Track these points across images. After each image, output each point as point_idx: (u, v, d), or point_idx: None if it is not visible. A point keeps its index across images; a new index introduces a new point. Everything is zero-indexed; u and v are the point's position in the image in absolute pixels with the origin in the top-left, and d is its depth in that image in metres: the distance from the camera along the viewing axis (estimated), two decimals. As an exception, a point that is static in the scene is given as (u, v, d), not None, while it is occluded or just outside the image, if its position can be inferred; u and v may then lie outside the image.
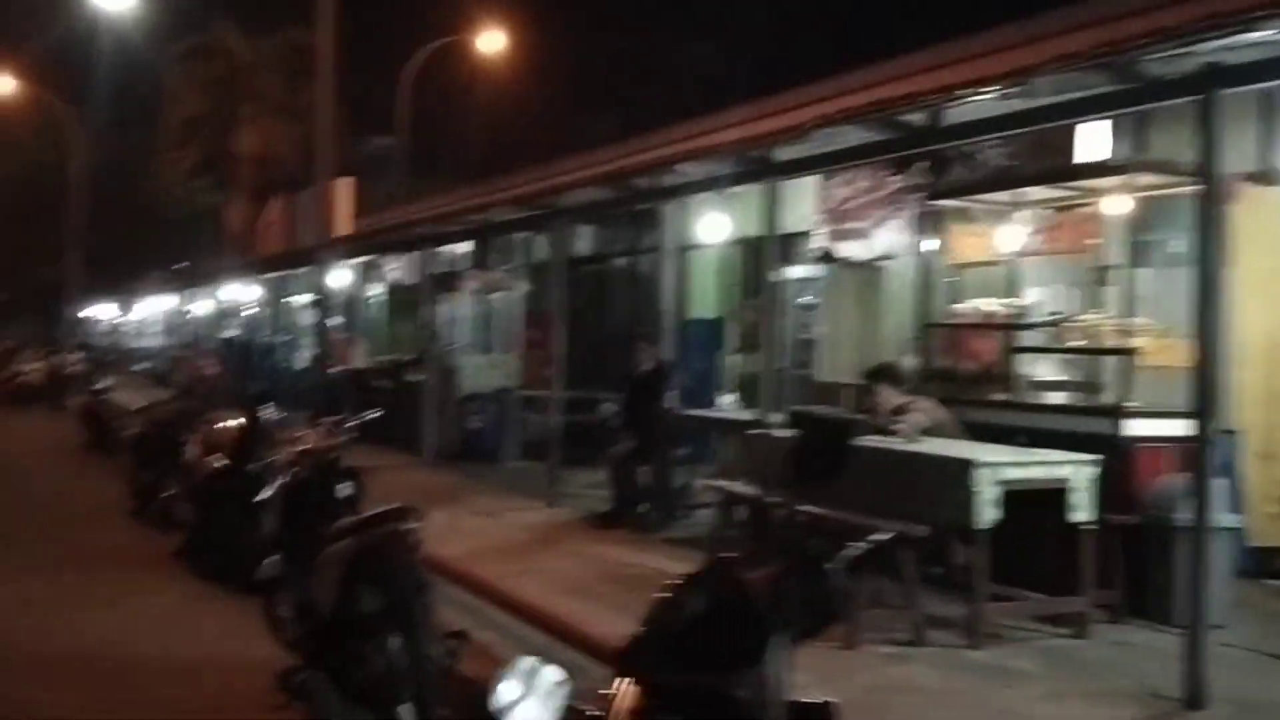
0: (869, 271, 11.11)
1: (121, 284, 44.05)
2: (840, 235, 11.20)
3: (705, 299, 14.01)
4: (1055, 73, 5.71)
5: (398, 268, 23.34)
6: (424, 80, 28.73)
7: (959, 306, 8.61)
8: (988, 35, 9.36)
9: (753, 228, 12.32)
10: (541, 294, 16.71)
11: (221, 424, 8.60)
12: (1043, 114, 6.12)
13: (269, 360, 22.71)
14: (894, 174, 9.82)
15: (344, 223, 22.53)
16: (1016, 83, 5.87)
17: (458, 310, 14.06)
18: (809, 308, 11.20)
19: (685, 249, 14.32)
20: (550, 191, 10.20)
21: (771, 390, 8.08)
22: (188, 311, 35.58)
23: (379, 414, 6.52)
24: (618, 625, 6.40)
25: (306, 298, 26.30)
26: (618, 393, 13.94)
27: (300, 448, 5.87)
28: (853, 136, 7.30)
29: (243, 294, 26.62)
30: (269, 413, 8.33)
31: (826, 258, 10.92)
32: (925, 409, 7.39)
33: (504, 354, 14.26)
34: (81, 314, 42.17)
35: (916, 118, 6.92)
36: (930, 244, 9.21)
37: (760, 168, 8.29)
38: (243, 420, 8.31)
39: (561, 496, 10.66)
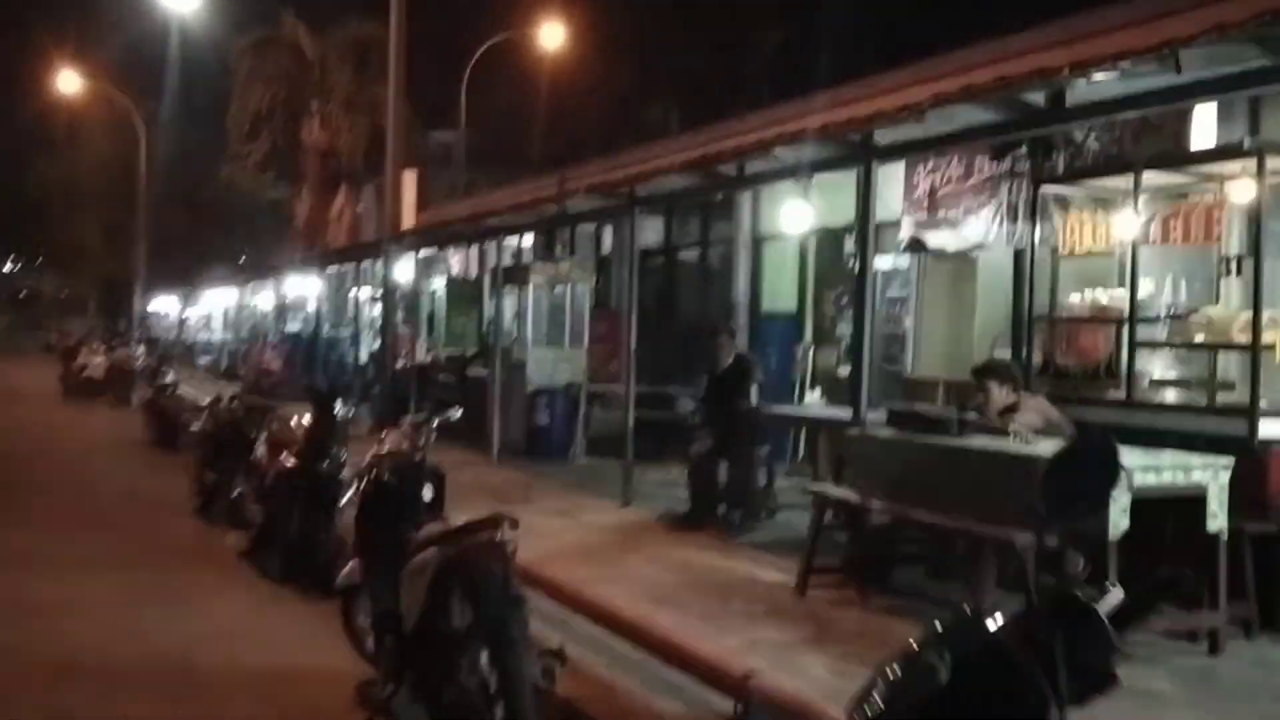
0: (960, 262, 10.59)
1: (185, 277, 44.46)
2: (929, 224, 10.69)
3: (780, 292, 13.54)
4: (1209, 45, 5.17)
5: (458, 261, 23.16)
6: (485, 74, 28.50)
7: (1071, 299, 8.06)
8: (1101, 13, 8.78)
9: (833, 217, 11.88)
10: (608, 287, 16.41)
11: (291, 421, 8.29)
12: (1184, 91, 5.60)
13: (333, 354, 22.55)
14: (990, 160, 9.29)
15: (408, 215, 22.37)
16: (1161, 56, 5.34)
17: (524, 303, 13.66)
18: (896, 300, 10.70)
19: (760, 240, 13.86)
20: (629, 180, 9.79)
21: (863, 387, 7.59)
22: (250, 305, 35.74)
23: (460, 412, 6.12)
24: (718, 641, 6.08)
25: (369, 291, 26.27)
26: (684, 387, 13.61)
27: (382, 449, 5.50)
28: (966, 117, 6.79)
29: (306, 287, 26.54)
30: (340, 410, 8.01)
31: (916, 247, 10.40)
32: (1037, 408, 6.89)
33: (572, 348, 13.86)
34: (145, 307, 42.49)
35: (1037, 96, 6.40)
36: (1032, 233, 8.66)
37: (860, 151, 7.81)
38: (313, 417, 7.98)
39: (636, 496, 10.25)
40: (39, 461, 13.90)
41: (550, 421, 13.22)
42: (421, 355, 22.91)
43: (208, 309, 43.10)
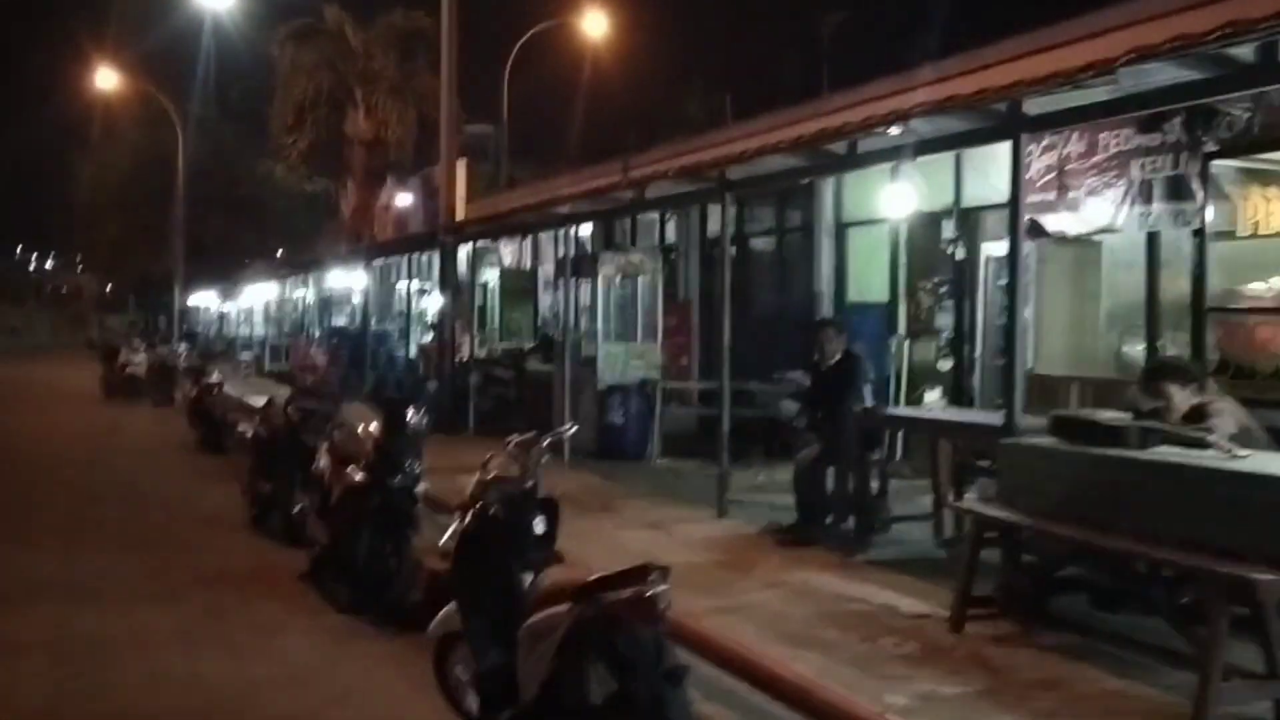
0: (1083, 247, 9.57)
1: (223, 273, 44.01)
2: (1046, 207, 9.67)
3: (869, 281, 12.56)
4: None
5: (510, 252, 22.30)
6: (519, 68, 27.68)
7: (1252, 287, 7.03)
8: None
9: (929, 200, 10.89)
10: (673, 279, 15.46)
11: (357, 428, 7.42)
12: None
13: (381, 349, 21.76)
14: (1140, 132, 8.25)
15: (459, 206, 21.53)
16: None
17: (594, 295, 12.74)
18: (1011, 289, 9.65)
19: (845, 226, 12.88)
20: (720, 162, 8.85)
21: (1017, 389, 6.61)
22: (292, 299, 35.12)
23: (574, 429, 5.23)
24: (880, 697, 5.11)
25: (415, 284, 25.52)
26: (765, 384, 12.68)
27: (486, 474, 4.61)
28: (1154, 77, 5.77)
29: (352, 281, 25.79)
30: (413, 418, 7.13)
31: (1034, 231, 9.38)
32: (1232, 412, 5.89)
33: (644, 343, 12.94)
34: (184, 303, 42.03)
35: (1244, 51, 5.38)
36: (1200, 213, 7.64)
37: (1009, 121, 6.83)
38: (383, 426, 7.11)
39: (730, 503, 9.32)
40: (81, 469, 13.15)
41: (625, 421, 12.31)
42: (474, 350, 22.17)
43: (247, 304, 42.60)
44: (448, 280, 14.36)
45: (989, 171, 10.71)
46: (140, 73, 37.98)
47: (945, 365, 11.19)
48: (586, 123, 28.33)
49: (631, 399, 12.38)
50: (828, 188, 12.86)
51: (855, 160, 8.13)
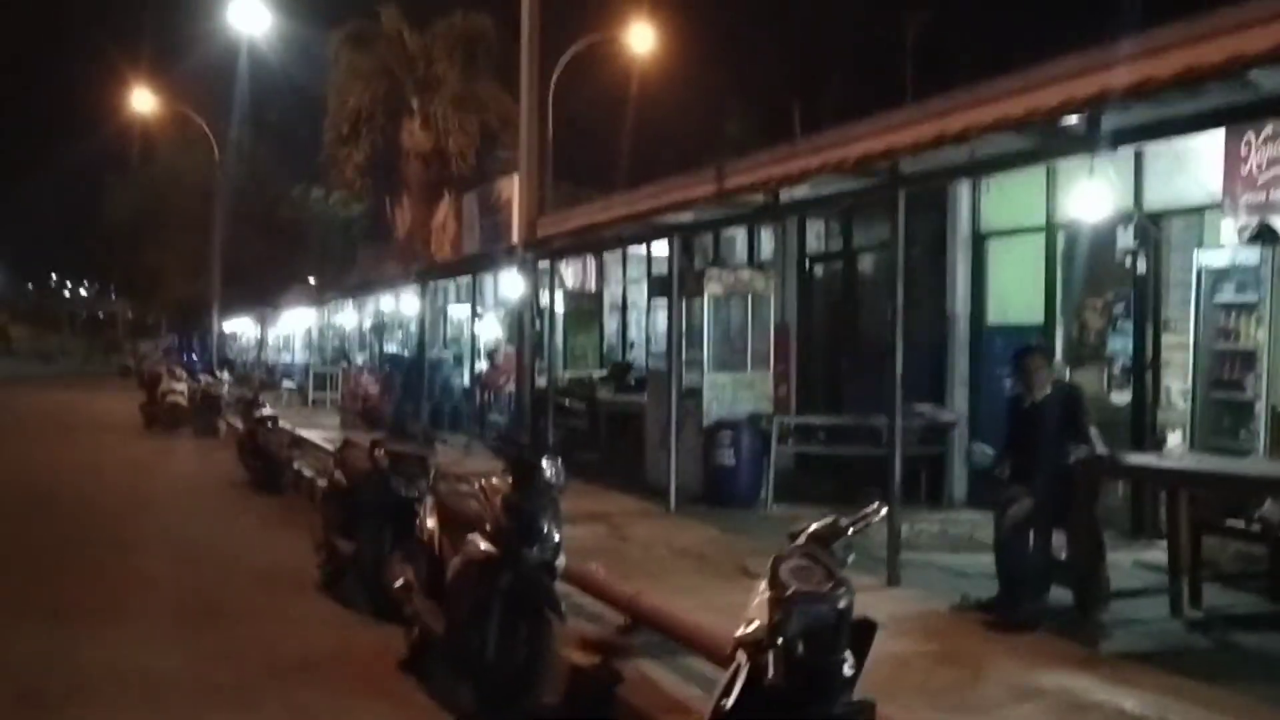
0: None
1: (261, 298, 42.95)
2: (1264, 208, 8.14)
3: (1016, 299, 11.00)
4: None
5: (572, 273, 20.86)
6: (568, 82, 26.34)
7: None
8: None
9: (1091, 205, 9.33)
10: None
11: (479, 484, 5.94)
12: None
13: (437, 378, 20.34)
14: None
15: (519, 223, 20.12)
16: None
17: (681, 316, 11.17)
18: (1234, 307, 8.10)
19: (984, 237, 11.34)
20: (889, 153, 7.36)
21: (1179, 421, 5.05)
22: (334, 325, 33.89)
23: (884, 512, 3.73)
24: None
25: (469, 308, 24.14)
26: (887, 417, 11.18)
27: (786, 589, 3.11)
28: None
29: (404, 304, 24.47)
30: (550, 471, 5.65)
31: (1267, 237, 7.83)
32: None
33: (754, 372, 11.42)
34: (221, 329, 40.94)
35: None
36: None
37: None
38: (513, 483, 5.62)
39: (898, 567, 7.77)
40: (123, 513, 11.74)
41: (736, 462, 10.78)
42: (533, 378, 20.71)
43: (286, 330, 41.48)
44: (529, 301, 12.89)
45: (1181, 168, 9.21)
46: (177, 96, 37.48)
47: (1121, 398, 9.62)
48: (634, 139, 26.86)
49: (743, 436, 10.86)
50: (962, 194, 11.33)
51: (1086, 142, 6.57)
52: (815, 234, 13.99)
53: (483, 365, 22.98)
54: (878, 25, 23.55)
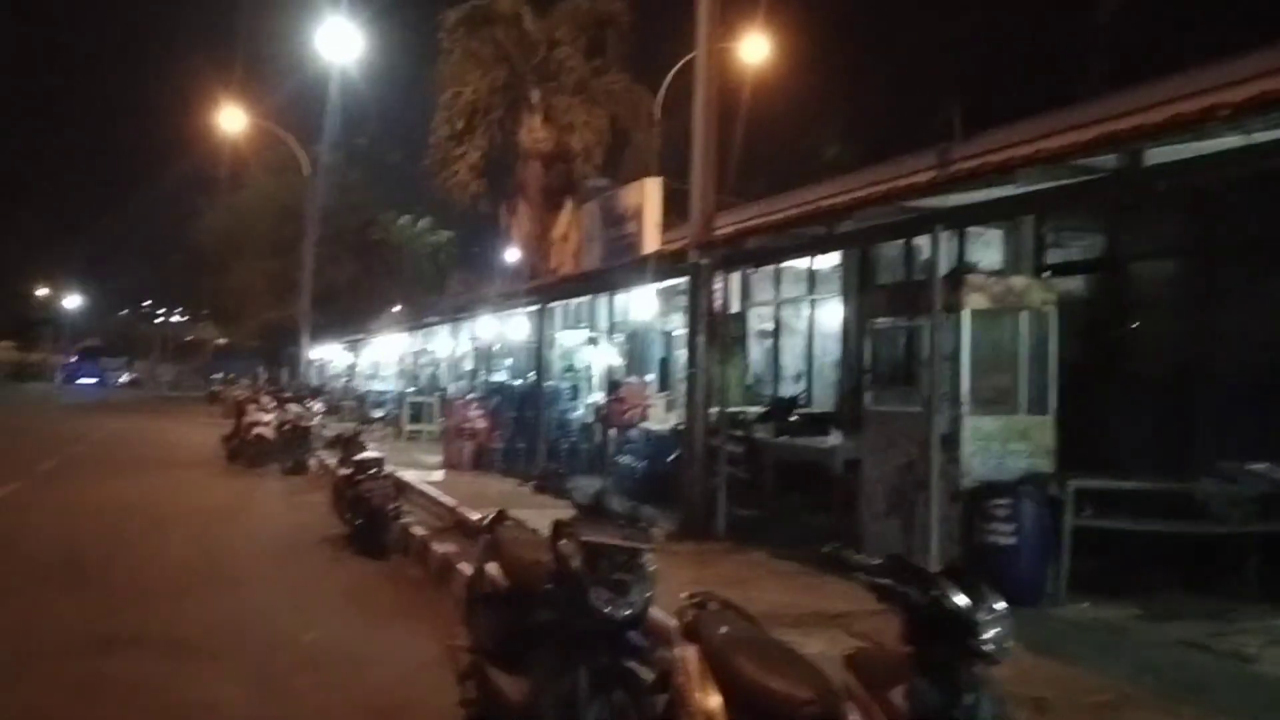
0: None
1: (352, 321, 41.03)
2: None
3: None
4: None
5: (716, 291, 18.01)
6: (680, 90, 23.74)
7: None
8: None
9: None
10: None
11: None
12: None
13: (552, 411, 17.63)
14: None
15: (651, 235, 17.44)
16: None
17: (953, 341, 8.22)
18: None
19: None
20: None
21: None
22: (430, 351, 31.50)
23: None
24: None
25: (575, 331, 21.52)
26: (1215, 480, 8.21)
27: None
28: None
29: (512, 327, 21.87)
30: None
31: None
32: None
33: (1031, 414, 8.42)
34: (311, 356, 38.96)
35: None
36: None
37: None
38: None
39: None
40: (185, 589, 9.09)
41: (1016, 540, 7.81)
42: (661, 414, 17.91)
43: (376, 356, 39.37)
44: (699, 317, 10.10)
45: None
46: (268, 117, 36.28)
47: None
48: (773, 146, 24.00)
49: (1023, 505, 7.89)
50: None
51: None
52: (1055, 240, 11.06)
53: (598, 397, 20.31)
54: (1056, 17, 20.52)
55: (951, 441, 8.18)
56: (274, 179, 45.40)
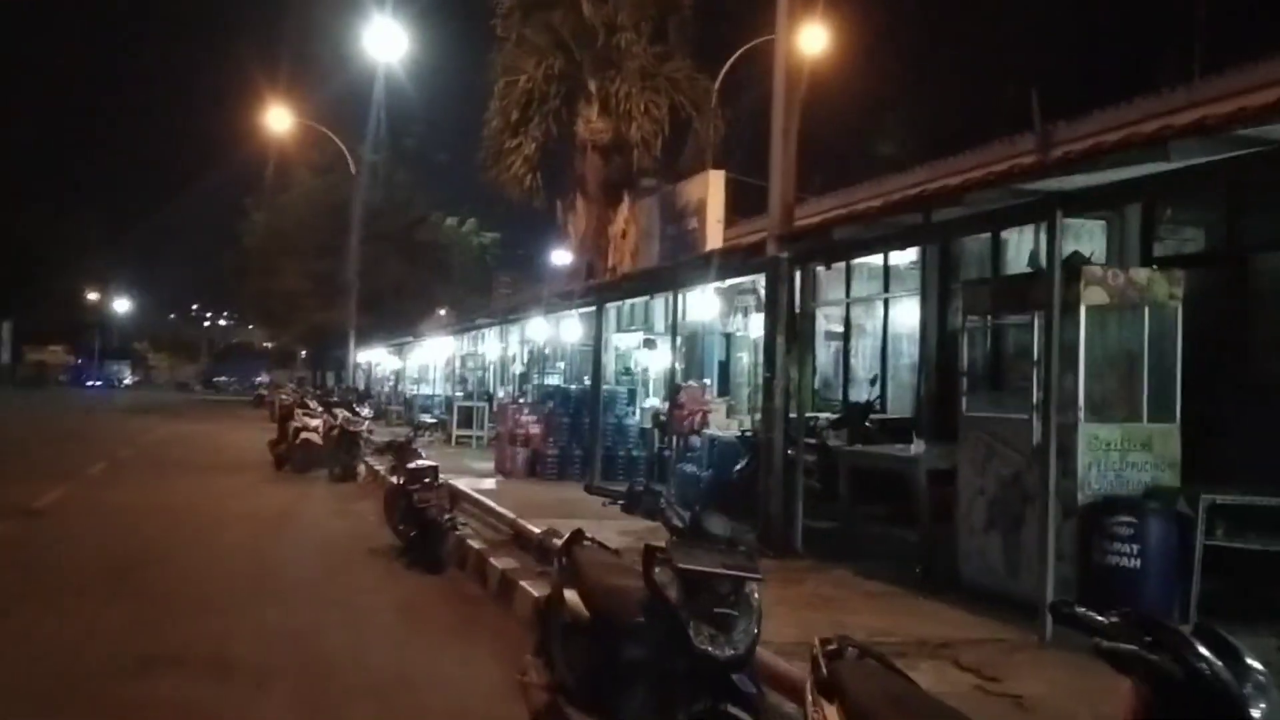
0: None
1: (399, 324, 40.70)
2: None
3: None
4: None
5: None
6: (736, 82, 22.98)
7: None
8: None
9: None
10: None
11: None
12: None
13: (609, 417, 16.99)
14: None
15: (714, 232, 16.76)
16: None
17: (1067, 337, 7.43)
18: None
19: None
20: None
21: None
22: (479, 354, 31.01)
23: None
24: None
25: (628, 334, 20.86)
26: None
27: None
28: None
29: (565, 330, 21.27)
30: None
31: None
32: None
33: (1155, 422, 7.63)
34: (355, 358, 38.64)
35: None
36: None
37: None
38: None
39: None
40: (231, 603, 8.53)
41: (1142, 563, 7.05)
42: (722, 420, 17.20)
43: (424, 360, 38.99)
44: (778, 316, 9.40)
45: None
46: (315, 118, 36.22)
47: None
48: (841, 138, 23.21)
49: (1149, 523, 7.12)
50: None
51: None
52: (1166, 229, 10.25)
53: (654, 401, 19.62)
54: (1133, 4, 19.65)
55: (1065, 451, 7.42)
56: (320, 180, 45.26)
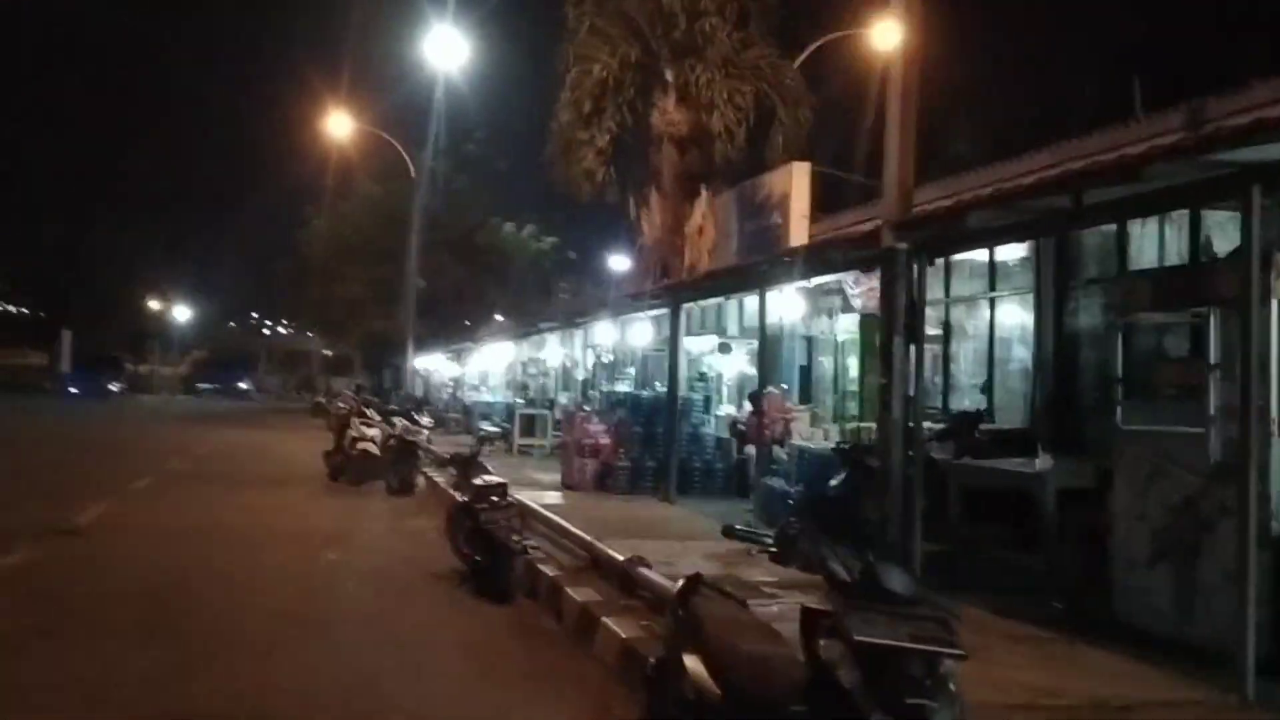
0: None
1: (458, 330, 39.99)
2: None
3: None
4: None
5: (863, 293, 16.06)
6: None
7: None
8: None
9: None
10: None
11: None
12: None
13: (684, 425, 15.89)
14: None
15: (798, 227, 15.60)
16: None
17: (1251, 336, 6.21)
18: None
19: None
20: None
21: None
22: (538, 359, 30.12)
23: None
24: None
25: (701, 338, 19.78)
26: None
27: None
28: None
29: (634, 334, 20.22)
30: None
31: None
32: None
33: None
34: (414, 365, 37.88)
35: None
36: None
37: None
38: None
39: None
40: (292, 633, 7.56)
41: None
42: (805, 429, 16.04)
43: (482, 366, 38.21)
44: (895, 315, 8.24)
45: None
46: (375, 124, 35.78)
47: None
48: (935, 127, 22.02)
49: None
50: None
51: None
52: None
53: (729, 409, 18.50)
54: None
55: (1240, 471, 6.19)
56: (380, 186, 44.79)
